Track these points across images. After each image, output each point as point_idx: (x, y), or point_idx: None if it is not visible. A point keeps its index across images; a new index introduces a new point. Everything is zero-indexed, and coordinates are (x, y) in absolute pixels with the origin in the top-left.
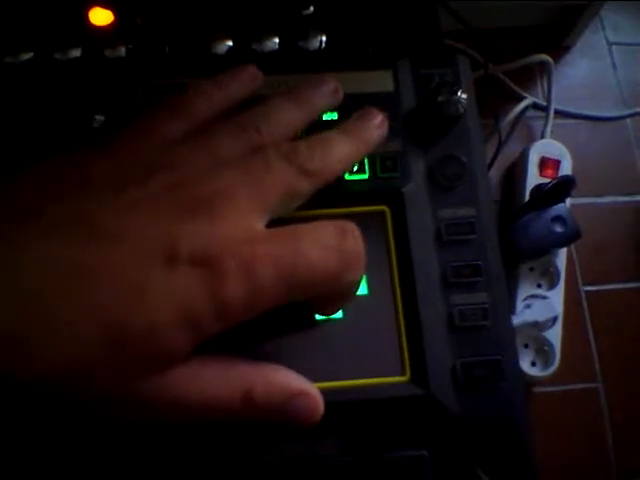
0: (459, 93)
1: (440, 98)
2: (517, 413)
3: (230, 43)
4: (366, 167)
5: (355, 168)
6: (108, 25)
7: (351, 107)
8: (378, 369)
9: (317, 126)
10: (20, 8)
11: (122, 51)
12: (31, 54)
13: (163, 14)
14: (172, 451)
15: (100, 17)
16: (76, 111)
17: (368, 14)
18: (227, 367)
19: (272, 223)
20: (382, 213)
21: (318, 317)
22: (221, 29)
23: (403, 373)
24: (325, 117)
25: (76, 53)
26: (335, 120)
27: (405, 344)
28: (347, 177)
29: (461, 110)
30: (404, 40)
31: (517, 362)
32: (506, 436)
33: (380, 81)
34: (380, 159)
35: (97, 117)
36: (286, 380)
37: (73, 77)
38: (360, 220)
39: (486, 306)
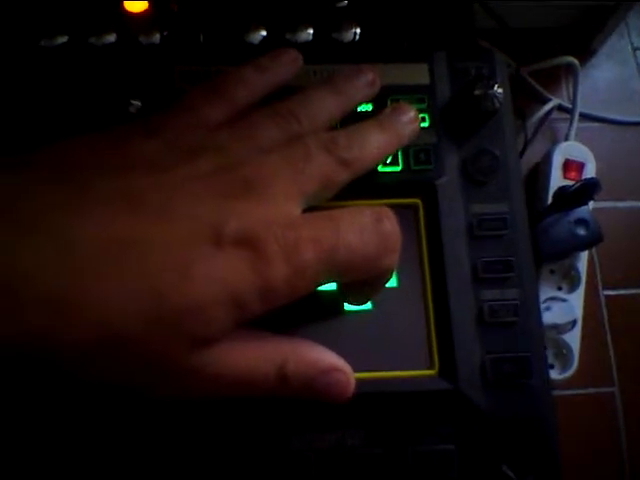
0: (495, 87)
1: (476, 92)
2: (544, 411)
3: (264, 33)
4: (399, 159)
5: (388, 160)
6: (143, 12)
7: (386, 99)
8: (407, 362)
9: (351, 117)
10: None
11: (157, 38)
12: (66, 38)
13: (198, 2)
14: (198, 438)
15: (135, 5)
16: (112, 96)
17: (402, 7)
18: (263, 342)
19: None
20: (415, 206)
21: (348, 308)
22: (255, 18)
23: (432, 367)
24: (360, 108)
25: (111, 38)
26: (370, 112)
27: (434, 338)
28: (380, 169)
29: (497, 105)
30: (439, 33)
31: (546, 360)
32: (533, 433)
33: (416, 73)
34: (414, 151)
35: (133, 102)
36: (319, 356)
37: (108, 62)
38: (393, 212)
39: (517, 302)
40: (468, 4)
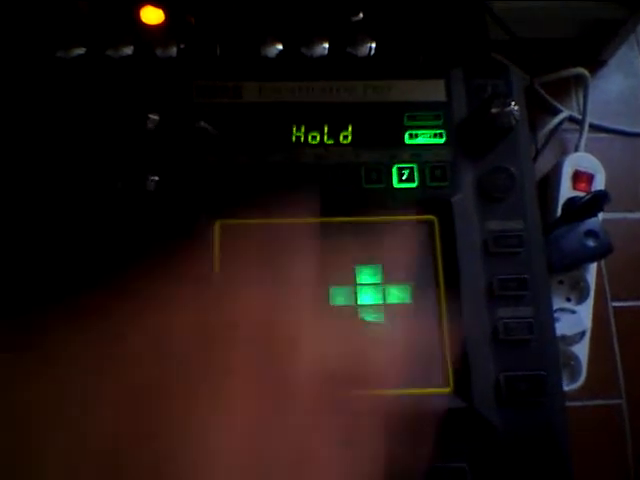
0: (512, 105)
1: (493, 109)
2: (558, 430)
3: (280, 47)
4: (415, 176)
5: (404, 176)
6: (159, 24)
7: (402, 115)
8: (421, 379)
9: (365, 133)
10: (71, 5)
11: (173, 51)
12: (83, 49)
13: (215, 15)
14: None
15: (151, 15)
16: (130, 109)
17: (417, 21)
18: None
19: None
20: (430, 222)
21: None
22: (271, 32)
23: (446, 384)
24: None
25: (128, 51)
26: (385, 127)
27: (449, 355)
28: (396, 185)
29: (513, 122)
30: (455, 50)
31: (560, 378)
32: (547, 452)
33: (432, 90)
34: (429, 168)
35: (152, 116)
36: None
37: (126, 75)
38: (408, 228)
39: (531, 320)
40: (481, 17)
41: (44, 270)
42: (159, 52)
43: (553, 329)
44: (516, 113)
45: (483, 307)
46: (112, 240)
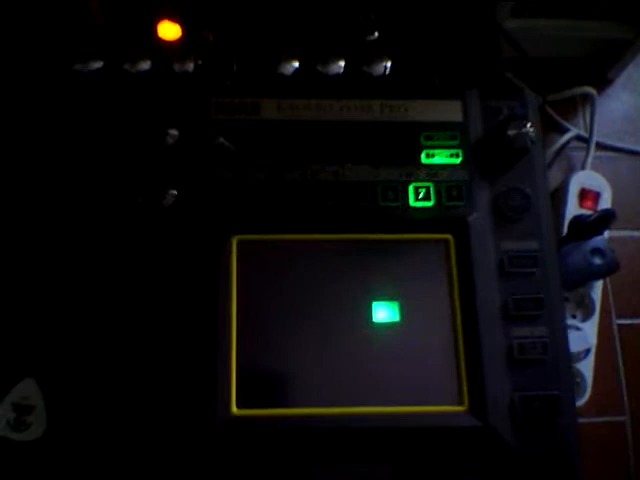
0: (528, 127)
1: (510, 131)
2: (572, 450)
3: (296, 64)
4: (432, 195)
5: (421, 195)
6: (176, 40)
7: (419, 135)
8: (436, 397)
9: (383, 152)
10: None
11: (190, 66)
12: (100, 63)
13: (232, 31)
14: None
15: (168, 31)
16: (149, 123)
17: (432, 41)
18: None
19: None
20: (446, 241)
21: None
22: (288, 50)
23: (461, 403)
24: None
25: (145, 66)
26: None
27: (464, 373)
28: (412, 204)
29: (529, 144)
30: (471, 70)
31: (574, 399)
32: (559, 471)
33: (448, 110)
34: (446, 187)
35: (171, 131)
36: None
37: (143, 90)
38: (424, 247)
39: (546, 340)
40: (495, 37)
41: (61, 283)
42: (176, 67)
43: (567, 349)
44: (532, 135)
45: (499, 326)
46: (130, 253)
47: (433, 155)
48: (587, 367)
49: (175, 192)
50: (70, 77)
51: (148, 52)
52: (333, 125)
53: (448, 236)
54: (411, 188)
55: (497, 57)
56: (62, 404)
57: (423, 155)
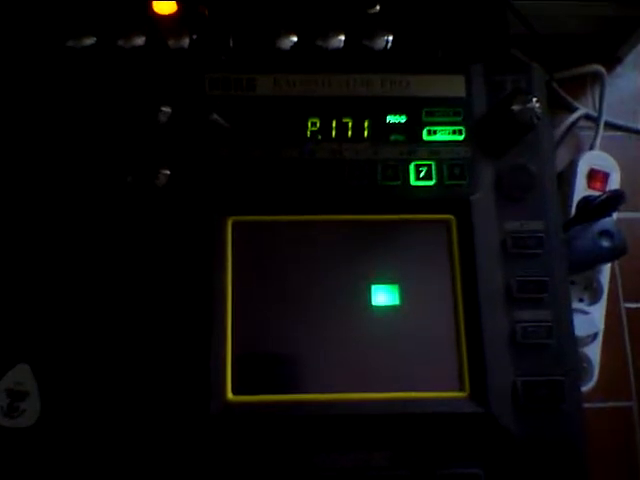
0: (533, 102)
1: (514, 106)
2: (576, 436)
3: (295, 39)
4: (433, 173)
5: (422, 174)
6: (171, 14)
7: (421, 110)
8: (436, 382)
9: (383, 128)
10: None
11: (186, 42)
12: (94, 39)
13: (228, 6)
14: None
15: (163, 6)
16: (142, 100)
17: (435, 14)
18: None
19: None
20: (448, 222)
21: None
22: (286, 24)
23: (462, 388)
24: (392, 119)
25: (139, 41)
26: (402, 123)
27: (465, 358)
28: (413, 183)
29: (535, 120)
30: (475, 45)
31: (579, 384)
32: (564, 458)
33: (451, 85)
34: (447, 166)
35: (164, 109)
36: None
37: (137, 66)
38: (425, 228)
39: (550, 324)
40: (502, 12)
41: (52, 266)
42: (171, 43)
43: (572, 333)
44: (537, 110)
45: (501, 309)
46: (120, 235)
47: (435, 132)
48: (594, 352)
49: (168, 171)
50: (63, 53)
51: (142, 27)
52: (332, 101)
53: (450, 216)
54: (412, 167)
55: (504, 32)
56: (55, 391)
57: (424, 132)
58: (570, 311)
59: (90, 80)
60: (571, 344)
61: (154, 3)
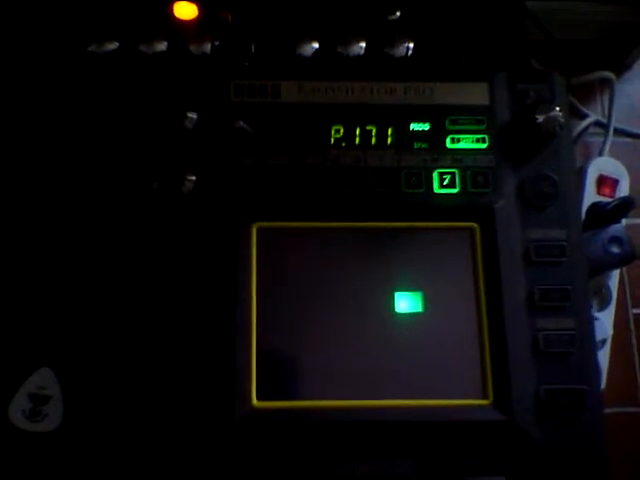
0: (556, 111)
1: (538, 116)
2: (597, 445)
3: (316, 45)
4: (457, 181)
5: (445, 182)
6: (193, 19)
7: (444, 118)
8: (460, 390)
9: (406, 136)
10: None
11: (207, 47)
12: (116, 44)
13: (250, 11)
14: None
15: (185, 10)
16: (167, 106)
17: (456, 21)
18: None
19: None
20: (472, 229)
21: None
22: (308, 31)
23: (485, 396)
24: (415, 127)
25: (161, 46)
26: (426, 131)
27: (489, 366)
28: (436, 190)
29: (558, 129)
30: (497, 52)
31: (600, 393)
32: (585, 467)
33: (475, 93)
34: (471, 174)
35: (190, 115)
36: None
37: (161, 70)
38: (448, 235)
39: (573, 333)
40: (521, 19)
41: (78, 272)
42: (193, 48)
43: (594, 342)
44: (560, 120)
45: (524, 318)
46: (146, 241)
47: (459, 140)
48: (603, 357)
49: (193, 178)
50: (85, 59)
51: (164, 33)
52: (356, 108)
53: (473, 224)
54: (435, 174)
55: (523, 39)
56: (78, 395)
57: (448, 140)
58: (592, 319)
59: (114, 86)
60: (593, 353)
61: (175, 6)
